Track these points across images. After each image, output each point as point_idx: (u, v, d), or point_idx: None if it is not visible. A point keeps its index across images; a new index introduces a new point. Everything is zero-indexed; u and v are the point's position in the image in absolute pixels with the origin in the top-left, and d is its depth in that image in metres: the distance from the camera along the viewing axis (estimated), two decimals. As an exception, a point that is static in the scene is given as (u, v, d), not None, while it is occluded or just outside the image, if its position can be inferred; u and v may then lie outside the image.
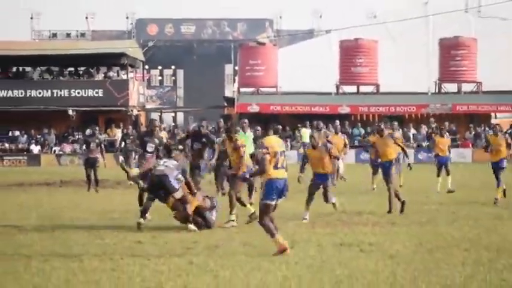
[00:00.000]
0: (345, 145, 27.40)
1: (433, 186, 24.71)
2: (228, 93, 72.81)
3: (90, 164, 26.25)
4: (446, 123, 47.54)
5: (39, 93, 52.69)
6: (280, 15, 79.37)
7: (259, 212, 12.24)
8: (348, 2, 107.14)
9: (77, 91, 52.77)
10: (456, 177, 29.25)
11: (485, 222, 16.11)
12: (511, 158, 22.07)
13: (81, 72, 55.94)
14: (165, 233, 14.54)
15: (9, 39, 65.55)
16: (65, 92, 52.73)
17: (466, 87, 54.18)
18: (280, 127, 42.47)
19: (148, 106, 66.08)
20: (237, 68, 62.09)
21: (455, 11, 54.51)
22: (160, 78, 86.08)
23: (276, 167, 12.15)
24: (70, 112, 52.13)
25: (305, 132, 43.58)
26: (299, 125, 48.99)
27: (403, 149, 19.93)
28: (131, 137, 32.17)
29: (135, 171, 16.87)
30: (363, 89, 54.42)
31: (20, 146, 52.49)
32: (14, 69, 56.24)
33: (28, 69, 56.04)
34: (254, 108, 52.69)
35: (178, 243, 13.36)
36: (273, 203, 12.12)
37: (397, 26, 55.55)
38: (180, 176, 15.41)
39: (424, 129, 51.30)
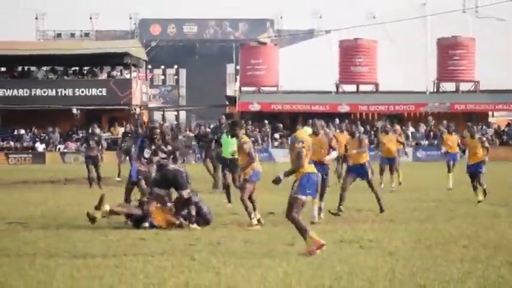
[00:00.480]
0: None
1: (439, 183, 24.85)
2: (229, 92, 73.05)
3: (92, 161, 26.29)
4: (445, 122, 48.01)
5: (44, 92, 53.16)
6: (281, 15, 79.56)
7: (288, 207, 11.61)
8: (347, 3, 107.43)
9: (81, 90, 53.20)
10: (454, 175, 29.62)
11: (483, 219, 16.01)
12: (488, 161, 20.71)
13: (85, 72, 56.35)
14: (167, 230, 14.57)
15: (14, 39, 65.95)
16: (69, 91, 53.17)
17: (464, 86, 54.61)
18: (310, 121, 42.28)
19: (151, 105, 66.34)
20: (238, 67, 62.43)
21: (453, 11, 54.81)
22: (163, 77, 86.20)
23: (309, 162, 11.85)
24: (74, 111, 52.55)
25: (307, 131, 43.89)
26: (300, 124, 49.30)
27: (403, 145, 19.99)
28: (129, 135, 32.69)
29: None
30: (362, 88, 54.89)
31: (25, 144, 52.93)
32: (19, 68, 56.65)
33: (33, 68, 56.46)
34: (255, 107, 53.21)
35: (181, 240, 13.31)
36: (306, 198, 11.69)
37: (395, 26, 55.96)
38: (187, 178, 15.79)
39: (422, 127, 51.86)
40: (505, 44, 57.61)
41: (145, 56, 60.60)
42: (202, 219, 15.28)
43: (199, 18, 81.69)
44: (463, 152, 22.35)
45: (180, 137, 45.79)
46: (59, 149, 52.06)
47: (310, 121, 16.20)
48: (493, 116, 57.01)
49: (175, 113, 78.44)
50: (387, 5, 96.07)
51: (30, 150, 51.94)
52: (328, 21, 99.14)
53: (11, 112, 53.17)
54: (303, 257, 11.30)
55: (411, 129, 51.52)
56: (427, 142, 50.70)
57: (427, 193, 22.91)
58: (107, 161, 30.19)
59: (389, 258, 11.21)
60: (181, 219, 15.20)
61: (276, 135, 52.16)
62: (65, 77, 55.63)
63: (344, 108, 52.34)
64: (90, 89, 53.26)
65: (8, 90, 53.04)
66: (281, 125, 53.06)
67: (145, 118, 58.09)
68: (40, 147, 52.25)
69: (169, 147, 17.50)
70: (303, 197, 11.59)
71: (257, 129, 52.13)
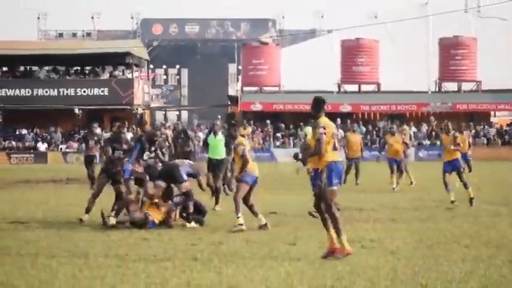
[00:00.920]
0: (360, 144, 26.91)
1: (440, 183, 24.78)
2: (231, 92, 73.09)
3: (90, 161, 26.19)
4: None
5: (46, 92, 53.20)
6: (282, 15, 79.72)
7: (325, 201, 11.30)
8: (349, 3, 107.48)
9: (82, 90, 53.25)
10: (456, 175, 29.66)
11: (485, 219, 16.03)
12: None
13: (87, 72, 56.41)
14: (169, 230, 14.62)
15: (16, 39, 65.98)
16: (71, 91, 53.22)
17: (466, 86, 54.65)
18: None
19: (153, 105, 66.38)
20: (240, 67, 62.56)
21: (455, 11, 54.95)
22: (164, 77, 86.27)
23: (334, 149, 11.43)
24: (76, 110, 52.61)
25: (309, 131, 43.94)
26: (301, 123, 49.43)
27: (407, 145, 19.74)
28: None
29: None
30: (364, 88, 54.91)
31: (27, 144, 52.98)
32: (21, 68, 56.72)
33: (35, 68, 56.48)
34: (257, 107, 53.25)
35: (183, 240, 13.32)
36: (336, 188, 11.38)
37: (397, 26, 56.03)
38: (191, 171, 15.90)
39: (424, 127, 51.87)
40: (507, 43, 57.63)
41: (147, 56, 60.69)
42: (199, 211, 15.44)
43: (201, 18, 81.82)
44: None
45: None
46: (61, 148, 52.13)
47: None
48: (495, 115, 57.07)
49: (177, 112, 78.52)
50: (389, 5, 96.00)
51: (32, 150, 51.99)
52: (329, 21, 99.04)
53: (13, 112, 53.24)
54: (304, 257, 11.29)
55: (413, 129, 51.52)
56: (428, 142, 50.69)
57: (428, 193, 22.86)
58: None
59: (391, 258, 11.24)
60: (177, 217, 15.32)
61: (278, 135, 52.18)
62: (67, 77, 55.68)
63: (346, 108, 52.34)
64: (92, 89, 53.32)
65: (10, 90, 53.11)
66: (283, 125, 53.09)
67: (147, 118, 58.15)
68: (42, 147, 52.31)
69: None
70: (334, 187, 11.30)
71: (259, 129, 52.15)
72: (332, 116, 42.82)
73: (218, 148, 20.06)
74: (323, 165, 11.33)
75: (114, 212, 15.49)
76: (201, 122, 60.84)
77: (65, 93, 53.18)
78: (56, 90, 53.28)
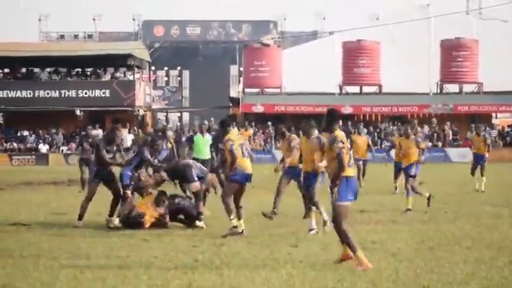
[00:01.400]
0: (369, 146, 26.67)
1: (442, 185, 25.03)
2: (233, 93, 73.12)
3: (85, 163, 25.69)
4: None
5: (47, 93, 53.25)
6: (284, 17, 79.83)
7: (335, 217, 10.77)
8: (350, 4, 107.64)
9: (84, 91, 53.31)
10: (457, 176, 29.66)
11: (486, 220, 16.04)
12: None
13: (88, 73, 56.50)
14: (170, 231, 14.64)
15: (17, 40, 66.10)
16: (72, 93, 53.28)
17: (468, 87, 54.62)
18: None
19: (154, 106, 66.47)
20: (241, 68, 62.57)
21: (456, 13, 54.99)
22: (166, 78, 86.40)
23: (348, 164, 10.91)
24: (77, 112, 52.67)
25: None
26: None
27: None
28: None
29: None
30: (365, 89, 54.98)
31: (29, 145, 53.04)
32: (23, 70, 56.74)
33: (36, 70, 56.53)
34: (259, 109, 53.27)
35: (184, 241, 13.36)
36: (348, 204, 10.80)
37: (399, 27, 56.10)
38: (200, 174, 15.82)
39: (425, 129, 51.83)
40: (509, 45, 57.77)
41: (149, 58, 60.74)
42: (188, 216, 15.44)
43: (203, 20, 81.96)
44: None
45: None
46: (62, 150, 52.14)
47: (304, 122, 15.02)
48: (496, 117, 57.05)
49: (179, 114, 78.57)
50: (390, 7, 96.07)
51: (33, 152, 52.03)
52: (331, 23, 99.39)
53: (15, 113, 53.32)
54: (306, 259, 11.30)
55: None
56: (430, 144, 50.65)
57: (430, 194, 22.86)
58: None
59: (392, 260, 11.25)
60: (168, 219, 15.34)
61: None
62: (68, 79, 55.74)
63: (347, 110, 52.29)
64: (94, 91, 53.38)
65: (12, 92, 53.17)
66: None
67: (148, 120, 58.16)
68: (43, 148, 52.35)
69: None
70: (346, 203, 10.72)
71: (260, 131, 52.16)
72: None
73: (205, 148, 20.30)
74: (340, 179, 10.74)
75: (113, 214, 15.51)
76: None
77: (66, 95, 53.24)
78: (57, 91, 53.34)
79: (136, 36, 77.91)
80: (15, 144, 52.92)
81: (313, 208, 14.32)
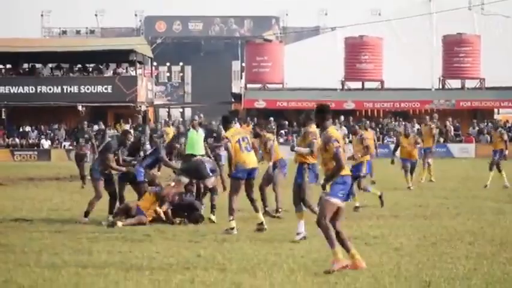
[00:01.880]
0: (374, 141, 26.52)
1: (444, 180, 25.05)
2: (235, 89, 73.14)
3: (80, 159, 25.84)
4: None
5: (50, 89, 53.29)
6: (286, 12, 79.69)
7: (319, 211, 10.29)
8: (352, 0, 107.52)
9: (86, 87, 53.35)
10: (459, 172, 29.64)
11: (488, 216, 16.05)
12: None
13: (90, 69, 56.50)
14: (173, 227, 14.70)
15: (19, 36, 66.11)
16: (74, 88, 53.30)
17: (470, 83, 54.61)
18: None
19: (156, 102, 66.49)
20: (244, 64, 62.59)
21: (458, 8, 54.95)
22: (168, 74, 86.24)
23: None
24: (80, 108, 52.62)
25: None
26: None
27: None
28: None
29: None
30: (367, 85, 54.98)
31: (31, 141, 53.05)
32: (25, 65, 56.78)
33: (38, 65, 56.58)
34: (261, 104, 53.28)
35: (186, 236, 13.37)
36: (338, 202, 10.20)
37: (401, 23, 56.08)
38: (213, 167, 15.91)
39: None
40: (511, 40, 57.62)
41: (151, 53, 60.68)
42: (193, 208, 15.56)
43: (205, 15, 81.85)
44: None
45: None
46: (65, 146, 52.15)
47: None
48: (498, 113, 57.00)
49: (181, 110, 78.52)
50: (393, 2, 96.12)
51: (35, 147, 52.05)
52: (333, 19, 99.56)
53: (17, 109, 53.35)
54: (308, 254, 11.33)
55: (416, 126, 51.45)
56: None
57: (432, 190, 22.92)
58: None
59: (394, 255, 11.27)
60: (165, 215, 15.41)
61: (282, 132, 52.19)
62: (71, 74, 55.74)
63: (349, 105, 52.35)
64: (96, 86, 53.41)
65: (14, 87, 53.21)
66: (286, 122, 53.09)
67: (150, 115, 58.20)
68: (46, 144, 52.37)
69: None
70: (335, 200, 10.17)
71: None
72: (335, 114, 43.19)
73: (198, 144, 20.36)
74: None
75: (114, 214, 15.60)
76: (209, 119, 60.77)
77: (68, 91, 53.26)
78: (59, 87, 53.37)
79: (138, 31, 77.81)
80: (17, 140, 52.94)
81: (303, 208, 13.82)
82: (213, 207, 15.51)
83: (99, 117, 50.91)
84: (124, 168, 16.15)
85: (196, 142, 20.33)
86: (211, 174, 15.68)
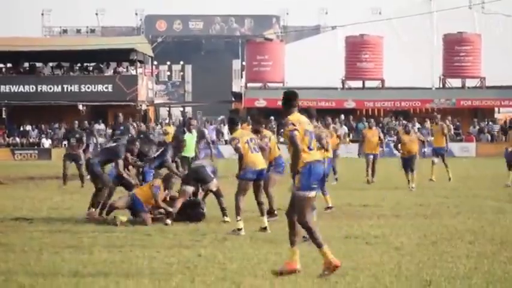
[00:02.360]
0: (380, 139, 26.32)
1: (444, 179, 25.03)
2: (235, 88, 73.18)
3: (72, 160, 25.43)
4: (449, 118, 47.88)
5: (50, 88, 53.33)
6: (287, 11, 79.72)
7: (297, 210, 9.79)
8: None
9: (86, 86, 53.41)
10: (460, 171, 29.64)
11: (489, 215, 16.06)
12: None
13: (91, 68, 56.55)
14: (173, 226, 14.66)
15: (20, 35, 66.21)
16: (75, 87, 53.35)
17: (470, 82, 54.60)
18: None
19: (156, 101, 66.51)
20: (244, 63, 62.57)
21: (459, 7, 54.96)
22: (168, 73, 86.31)
23: (310, 148, 9.88)
24: (80, 107, 52.64)
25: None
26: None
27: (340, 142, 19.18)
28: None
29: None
30: (368, 84, 54.98)
31: (31, 140, 53.06)
32: (25, 64, 56.79)
33: (39, 64, 56.61)
34: (261, 103, 53.23)
35: (187, 235, 13.38)
36: (312, 194, 9.73)
37: (401, 22, 56.07)
38: (213, 169, 15.90)
39: (428, 124, 51.74)
40: (511, 39, 57.57)
41: (151, 52, 60.78)
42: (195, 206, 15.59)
43: (205, 14, 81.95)
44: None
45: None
46: (65, 145, 52.02)
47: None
48: (499, 112, 57.00)
49: (181, 109, 78.61)
50: (393, 1, 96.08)
51: (36, 146, 52.04)
52: (334, 17, 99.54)
53: (17, 108, 53.36)
54: (308, 253, 11.21)
55: (417, 125, 51.43)
56: (433, 138, 50.54)
57: (432, 189, 22.92)
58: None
59: (395, 254, 11.27)
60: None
61: (282, 131, 52.22)
62: (71, 73, 55.76)
63: (350, 104, 52.36)
64: (96, 85, 53.45)
65: (14, 86, 53.22)
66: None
67: (151, 114, 58.21)
68: (46, 143, 52.36)
69: None
70: (308, 193, 9.64)
71: (263, 126, 52.05)
72: (336, 113, 43.21)
73: (192, 146, 20.45)
74: (300, 165, 9.68)
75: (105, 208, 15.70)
76: (209, 118, 60.72)
77: (69, 90, 53.30)
78: (60, 86, 53.42)
79: (138, 30, 77.89)
80: (17, 139, 52.94)
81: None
82: (223, 210, 15.32)
83: (99, 116, 50.92)
84: (133, 181, 16.30)
85: (190, 144, 20.41)
86: (212, 176, 15.66)
